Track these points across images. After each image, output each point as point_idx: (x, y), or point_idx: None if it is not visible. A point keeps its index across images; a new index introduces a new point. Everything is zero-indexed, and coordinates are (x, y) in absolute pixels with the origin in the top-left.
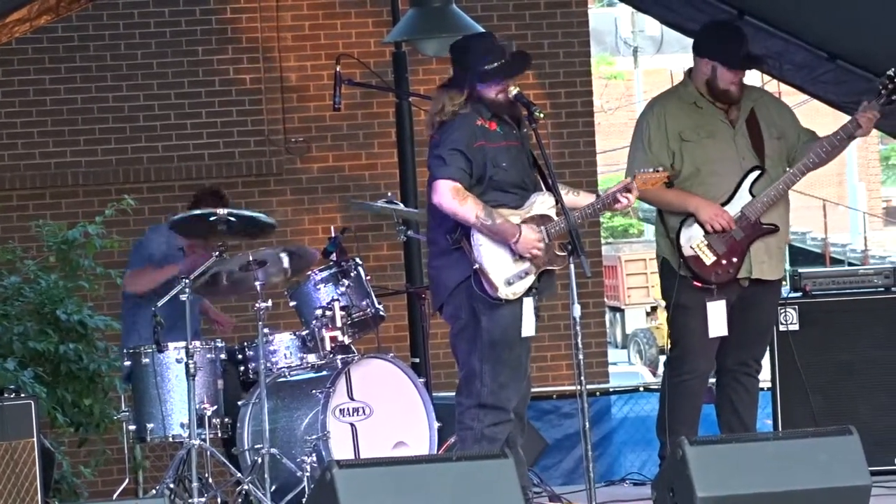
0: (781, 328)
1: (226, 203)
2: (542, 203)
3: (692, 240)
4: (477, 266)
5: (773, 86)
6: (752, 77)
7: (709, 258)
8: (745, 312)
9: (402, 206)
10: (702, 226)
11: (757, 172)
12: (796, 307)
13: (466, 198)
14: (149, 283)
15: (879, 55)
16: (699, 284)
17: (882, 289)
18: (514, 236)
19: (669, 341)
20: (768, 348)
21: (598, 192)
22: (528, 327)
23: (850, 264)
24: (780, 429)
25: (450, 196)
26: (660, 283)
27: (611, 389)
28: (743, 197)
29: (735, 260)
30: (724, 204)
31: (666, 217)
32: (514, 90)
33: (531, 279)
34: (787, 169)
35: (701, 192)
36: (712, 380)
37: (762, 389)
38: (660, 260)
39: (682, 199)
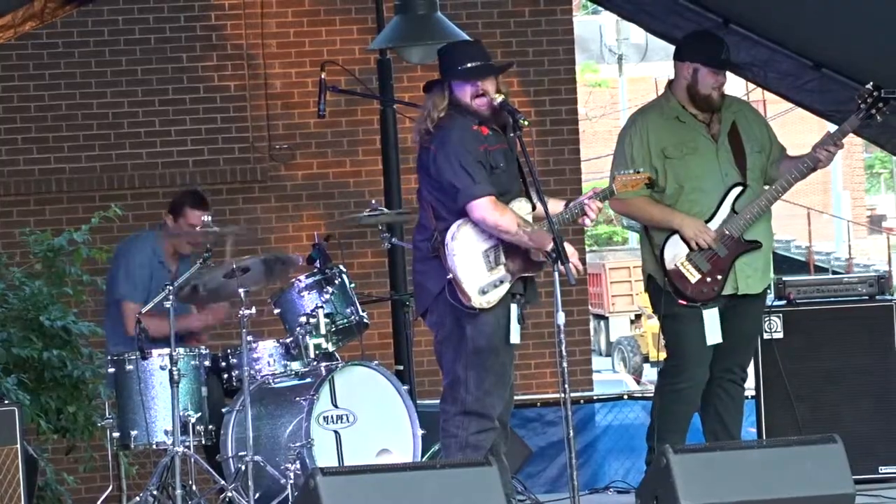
0: (766, 336)
1: (206, 205)
2: (519, 209)
3: (677, 257)
4: (451, 276)
5: (757, 94)
6: (738, 85)
7: (693, 276)
8: (730, 321)
9: (386, 210)
10: (686, 243)
11: (739, 188)
12: (780, 315)
13: (505, 210)
14: (162, 330)
15: (864, 64)
16: (684, 303)
17: (866, 297)
18: (549, 243)
19: (665, 351)
20: (752, 356)
21: (567, 202)
22: (513, 334)
23: (835, 272)
24: (764, 437)
25: (491, 209)
26: (649, 299)
27: (595, 397)
28: (726, 213)
29: (719, 277)
30: (707, 221)
31: (651, 233)
32: (499, 98)
33: (506, 287)
34: (766, 184)
35: (685, 209)
36: None
37: (746, 398)
38: (646, 276)
39: (666, 215)
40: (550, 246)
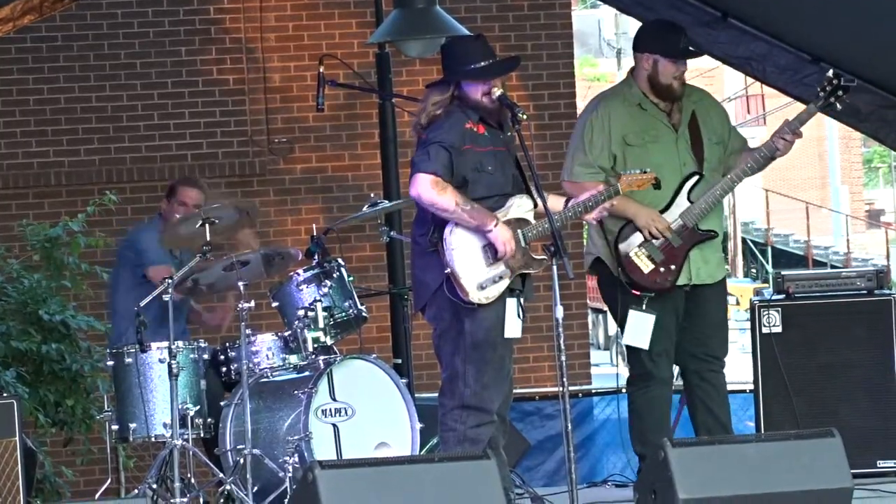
0: (764, 330)
1: (196, 184)
2: (518, 206)
3: (630, 246)
4: (448, 270)
5: (756, 88)
6: (736, 79)
7: (646, 266)
8: (692, 313)
9: (386, 202)
10: (640, 232)
11: (695, 178)
12: (779, 309)
13: (446, 188)
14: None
15: (863, 58)
16: (637, 293)
17: (864, 291)
18: (490, 223)
19: (626, 357)
20: (751, 350)
21: (572, 202)
22: (512, 328)
23: (833, 267)
24: (762, 430)
25: (428, 186)
26: (598, 284)
27: (593, 391)
28: (681, 203)
29: (673, 267)
30: (663, 210)
31: (604, 219)
32: (497, 91)
33: (505, 283)
34: (723, 175)
35: (641, 197)
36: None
37: (744, 392)
38: (591, 259)
39: (621, 203)
40: (490, 227)
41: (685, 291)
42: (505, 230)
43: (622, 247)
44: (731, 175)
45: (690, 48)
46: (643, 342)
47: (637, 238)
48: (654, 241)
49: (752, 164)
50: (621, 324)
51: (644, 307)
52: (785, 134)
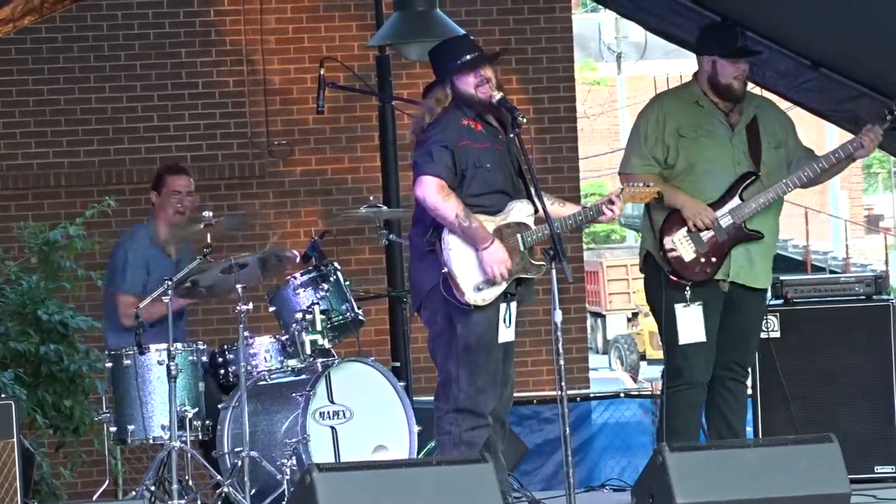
0: (763, 335)
1: (183, 171)
2: (519, 210)
3: (674, 235)
4: (446, 270)
5: (755, 92)
6: None
7: (688, 254)
8: (727, 317)
9: (384, 208)
10: (685, 223)
11: (751, 178)
12: (778, 314)
13: (450, 195)
14: (156, 314)
15: (863, 63)
16: (675, 279)
17: (863, 297)
18: (485, 242)
19: (663, 351)
20: (754, 355)
21: (584, 205)
22: (505, 333)
23: (832, 272)
24: (760, 436)
25: (434, 191)
26: (643, 280)
27: (591, 395)
28: (733, 200)
29: (714, 260)
30: (714, 204)
31: (652, 211)
32: (497, 95)
33: (503, 286)
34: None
35: (692, 190)
36: None
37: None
38: (643, 254)
39: (671, 194)
40: (484, 245)
41: (724, 294)
42: (498, 252)
43: (666, 234)
44: (786, 179)
45: (747, 48)
46: (699, 335)
47: (682, 227)
48: (699, 232)
49: (808, 174)
50: (660, 324)
51: (687, 299)
52: (866, 136)
